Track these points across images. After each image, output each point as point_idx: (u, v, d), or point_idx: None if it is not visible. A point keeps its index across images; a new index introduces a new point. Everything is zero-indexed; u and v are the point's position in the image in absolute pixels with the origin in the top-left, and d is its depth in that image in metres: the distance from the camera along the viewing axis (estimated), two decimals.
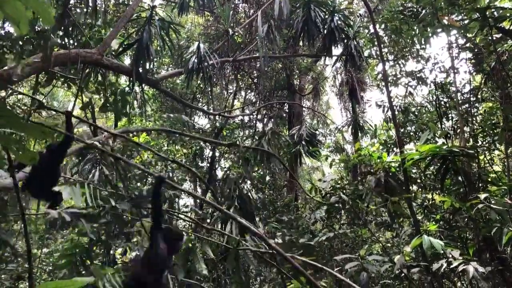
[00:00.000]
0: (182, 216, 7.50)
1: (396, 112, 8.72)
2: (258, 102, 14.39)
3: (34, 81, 9.06)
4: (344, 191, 7.44)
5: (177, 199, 9.19)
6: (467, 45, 7.46)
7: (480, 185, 6.57)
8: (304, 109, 15.65)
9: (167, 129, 9.37)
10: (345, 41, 10.01)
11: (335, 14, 9.79)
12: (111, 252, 6.06)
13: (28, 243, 3.02)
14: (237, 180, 7.59)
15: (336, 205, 7.52)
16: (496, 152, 8.23)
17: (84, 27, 8.03)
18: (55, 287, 1.54)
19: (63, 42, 7.59)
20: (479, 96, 8.05)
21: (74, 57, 6.82)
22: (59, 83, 8.48)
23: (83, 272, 4.97)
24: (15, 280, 7.03)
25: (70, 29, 8.02)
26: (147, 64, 8.64)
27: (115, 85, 8.43)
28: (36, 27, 6.89)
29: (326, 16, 9.84)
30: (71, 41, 7.95)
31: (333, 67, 14.03)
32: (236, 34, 12.28)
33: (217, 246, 8.30)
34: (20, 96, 10.65)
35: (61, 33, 7.49)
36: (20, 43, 6.30)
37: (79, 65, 7.18)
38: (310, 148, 10.12)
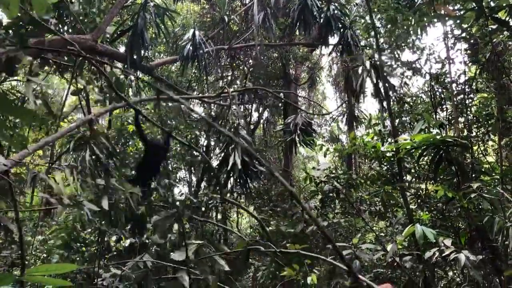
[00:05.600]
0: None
1: (391, 102, 8.72)
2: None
3: (27, 68, 8.96)
4: (338, 180, 7.47)
5: (172, 187, 9.19)
6: (463, 35, 7.45)
7: (473, 175, 6.61)
8: (299, 98, 15.62)
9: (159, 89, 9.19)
10: (342, 30, 9.96)
11: (332, 3, 9.74)
12: (106, 239, 6.07)
13: (20, 230, 3.02)
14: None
15: (330, 194, 7.55)
16: (490, 142, 8.28)
17: (78, 15, 7.93)
18: (45, 270, 1.55)
19: (57, 29, 7.49)
20: (474, 87, 8.06)
21: (68, 43, 6.73)
22: (53, 70, 8.40)
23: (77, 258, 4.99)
24: (9, 267, 7.03)
25: (65, 18, 7.92)
26: (142, 51, 8.56)
27: (110, 73, 8.34)
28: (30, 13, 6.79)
29: (323, 5, 9.79)
30: (66, 29, 7.84)
31: (329, 56, 14.00)
32: (232, 22, 12.19)
33: (211, 234, 8.35)
34: (14, 83, 10.57)
35: (55, 20, 7.38)
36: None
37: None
38: (305, 137, 10.12)
